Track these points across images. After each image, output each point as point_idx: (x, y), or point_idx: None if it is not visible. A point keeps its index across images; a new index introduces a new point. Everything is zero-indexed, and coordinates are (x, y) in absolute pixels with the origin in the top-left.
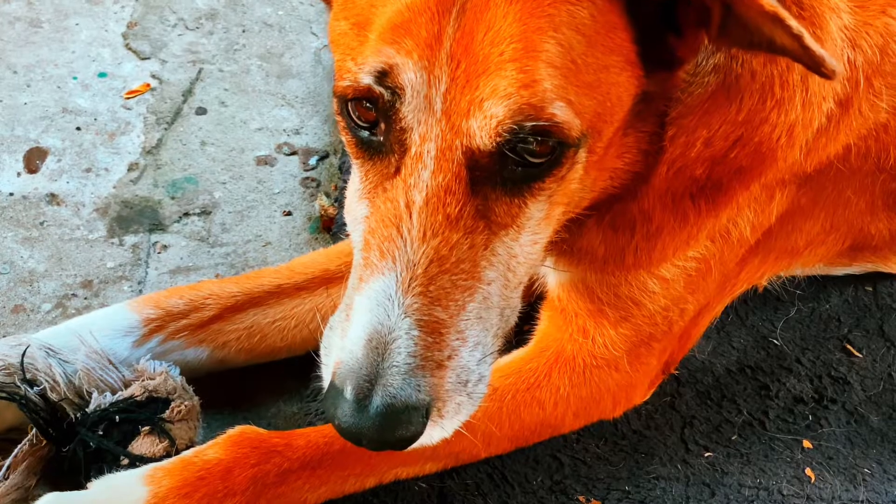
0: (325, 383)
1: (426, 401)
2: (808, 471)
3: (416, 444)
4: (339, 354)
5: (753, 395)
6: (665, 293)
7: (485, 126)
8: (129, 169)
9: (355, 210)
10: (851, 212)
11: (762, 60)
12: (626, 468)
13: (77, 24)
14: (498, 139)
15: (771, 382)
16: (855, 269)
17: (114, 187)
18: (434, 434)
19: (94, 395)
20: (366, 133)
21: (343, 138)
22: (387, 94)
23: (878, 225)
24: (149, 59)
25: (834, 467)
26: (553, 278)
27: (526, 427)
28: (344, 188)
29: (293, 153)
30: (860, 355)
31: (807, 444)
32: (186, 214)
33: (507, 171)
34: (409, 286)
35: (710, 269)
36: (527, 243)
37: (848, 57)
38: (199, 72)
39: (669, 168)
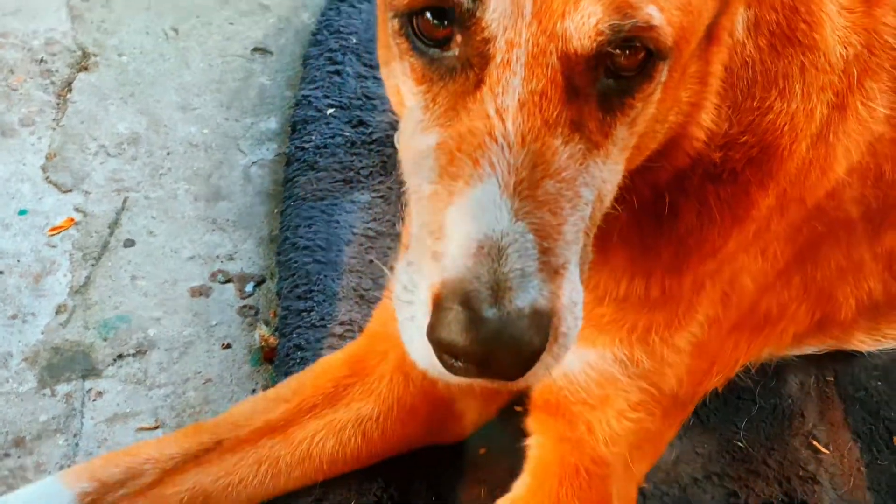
0: (407, 319)
1: (548, 308)
2: None
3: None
4: (442, 274)
5: None
6: (675, 370)
7: (583, 26)
8: (58, 312)
9: (418, 142)
10: (823, 272)
11: (772, 56)
12: None
13: None
14: (599, 38)
15: (739, 488)
16: (815, 347)
17: (42, 333)
18: (547, 361)
19: None
20: (436, 51)
21: (402, 64)
22: (467, 1)
23: (844, 290)
24: (71, 191)
25: None
26: None
27: None
28: (285, 315)
29: (228, 281)
30: (827, 451)
31: None
32: (121, 356)
33: (600, 82)
34: (514, 190)
35: (707, 340)
36: (612, 170)
37: (840, 53)
38: (125, 201)
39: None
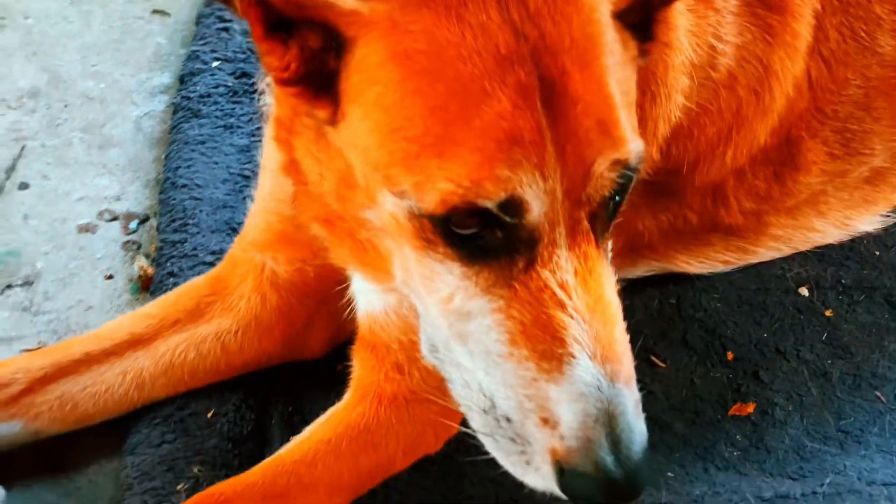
0: (521, 462)
1: (647, 436)
2: None
3: None
4: (564, 443)
5: None
6: None
7: (601, 187)
8: None
9: (463, 304)
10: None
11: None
12: (439, 492)
13: None
14: (614, 188)
15: None
16: (641, 270)
17: None
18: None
19: None
20: (483, 239)
21: (434, 254)
22: (511, 213)
23: (644, 221)
24: None
25: None
26: (362, 304)
27: (364, 474)
28: (161, 247)
29: (114, 219)
30: (664, 365)
31: None
32: (9, 286)
33: (609, 211)
34: (602, 356)
35: None
36: None
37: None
38: (22, 149)
39: None
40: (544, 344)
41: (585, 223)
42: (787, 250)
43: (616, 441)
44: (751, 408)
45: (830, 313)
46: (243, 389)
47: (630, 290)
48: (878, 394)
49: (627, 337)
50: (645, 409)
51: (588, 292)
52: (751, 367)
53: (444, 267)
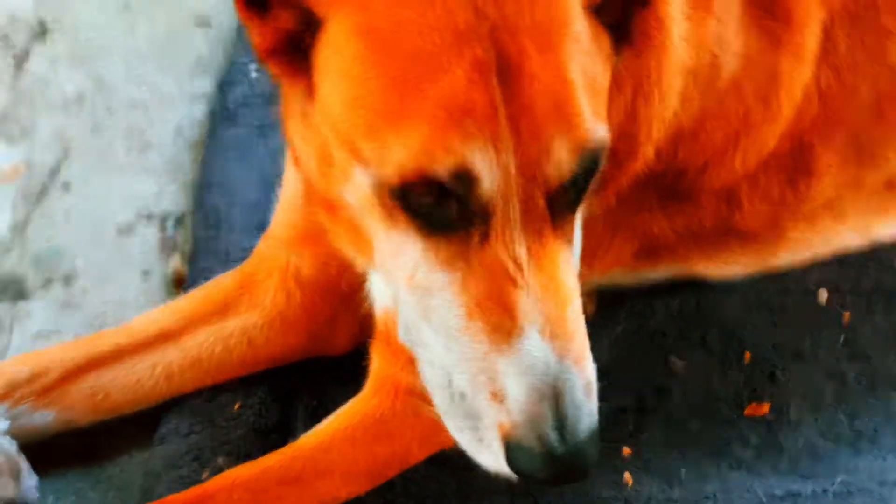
0: (473, 439)
1: (596, 417)
2: (626, 475)
3: None
4: (511, 416)
5: None
6: None
7: (559, 169)
8: None
9: (425, 278)
10: (631, 209)
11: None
12: (454, 483)
13: None
14: (572, 174)
15: None
16: (662, 273)
17: None
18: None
19: None
20: (440, 212)
21: (397, 228)
22: (462, 183)
23: (659, 224)
24: (18, 143)
25: (651, 470)
26: (379, 298)
27: (379, 463)
28: (194, 245)
29: (152, 219)
30: (682, 366)
31: (626, 451)
32: (49, 282)
33: (570, 195)
34: (552, 332)
35: None
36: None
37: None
38: (66, 151)
39: None
40: (496, 317)
41: (541, 202)
42: (807, 256)
43: (562, 418)
44: (766, 408)
45: (848, 317)
46: (269, 383)
47: (651, 292)
48: (894, 395)
49: (583, 319)
50: (661, 407)
51: (541, 270)
52: (767, 368)
53: (406, 240)
